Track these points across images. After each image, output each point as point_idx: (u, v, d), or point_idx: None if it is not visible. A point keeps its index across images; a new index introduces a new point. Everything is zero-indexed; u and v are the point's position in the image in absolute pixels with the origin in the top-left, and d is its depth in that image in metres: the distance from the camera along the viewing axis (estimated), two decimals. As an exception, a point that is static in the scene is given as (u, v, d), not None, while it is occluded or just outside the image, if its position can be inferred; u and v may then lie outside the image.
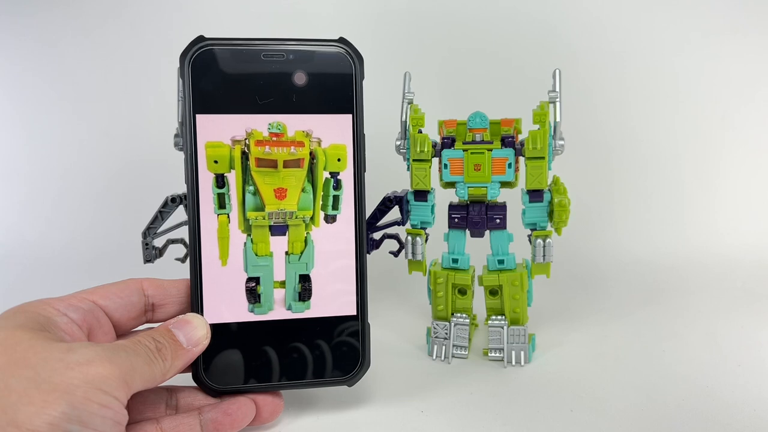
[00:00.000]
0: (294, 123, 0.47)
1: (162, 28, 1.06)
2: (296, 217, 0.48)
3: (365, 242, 0.50)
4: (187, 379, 0.47)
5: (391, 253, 0.62)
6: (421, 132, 0.60)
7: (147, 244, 0.53)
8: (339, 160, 0.48)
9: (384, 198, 0.60)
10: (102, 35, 1.06)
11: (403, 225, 0.61)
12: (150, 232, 0.53)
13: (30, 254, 0.99)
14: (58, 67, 1.08)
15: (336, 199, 0.49)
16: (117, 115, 1.06)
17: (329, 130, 0.48)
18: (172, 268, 0.55)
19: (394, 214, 0.61)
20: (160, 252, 0.54)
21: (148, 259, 0.53)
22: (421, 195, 0.59)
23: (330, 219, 0.49)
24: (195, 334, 0.44)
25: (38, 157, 1.09)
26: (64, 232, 1.03)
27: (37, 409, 0.33)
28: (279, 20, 1.02)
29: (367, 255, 0.60)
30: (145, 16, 1.06)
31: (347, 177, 0.49)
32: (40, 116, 1.09)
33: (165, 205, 0.52)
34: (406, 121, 0.59)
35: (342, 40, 0.48)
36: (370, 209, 0.54)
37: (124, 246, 0.75)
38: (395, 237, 0.62)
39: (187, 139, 0.46)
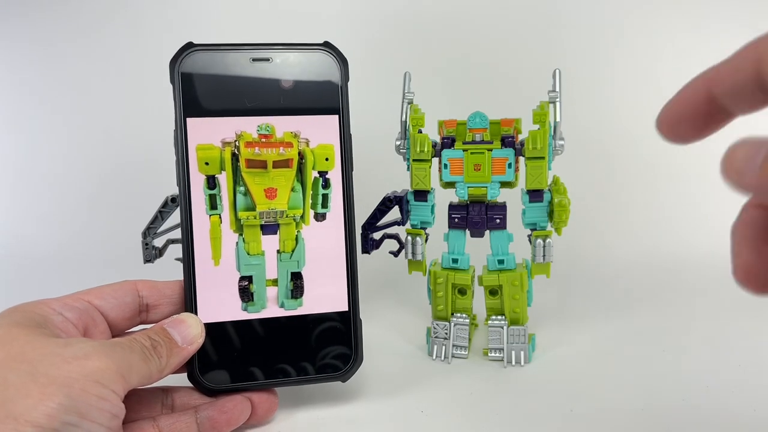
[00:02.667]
0: (282, 124, 0.48)
1: (158, 29, 1.06)
2: (287, 216, 0.49)
3: (355, 239, 0.51)
4: (182, 380, 0.47)
5: (391, 253, 0.63)
6: (421, 132, 0.60)
7: (147, 244, 0.54)
8: (327, 159, 0.49)
9: (384, 198, 0.61)
10: (101, 36, 1.07)
11: (403, 225, 0.61)
12: (150, 232, 0.53)
13: (29, 254, 1.01)
14: (57, 68, 1.09)
15: (325, 197, 0.49)
16: (116, 115, 1.07)
17: (317, 130, 0.49)
18: (172, 268, 0.55)
19: (394, 214, 0.61)
20: (160, 252, 0.55)
21: (148, 259, 0.54)
22: (421, 195, 0.59)
23: (320, 217, 0.50)
24: (189, 332, 0.45)
25: (37, 158, 1.10)
26: (63, 232, 1.04)
27: (35, 401, 0.33)
28: (278, 22, 1.03)
29: (368, 255, 0.60)
30: (144, 17, 1.07)
31: (335, 176, 0.50)
32: (38, 116, 1.10)
33: (165, 205, 0.52)
34: (406, 121, 0.59)
35: (327, 44, 0.50)
36: (359, 207, 0.55)
37: (123, 246, 0.76)
38: (395, 237, 0.63)
39: (179, 142, 0.47)
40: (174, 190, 0.51)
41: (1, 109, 1.11)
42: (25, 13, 1.08)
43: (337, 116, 0.49)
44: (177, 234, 0.55)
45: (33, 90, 1.10)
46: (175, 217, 0.52)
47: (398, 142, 0.60)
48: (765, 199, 0.28)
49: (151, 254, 0.54)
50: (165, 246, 0.55)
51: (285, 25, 1.02)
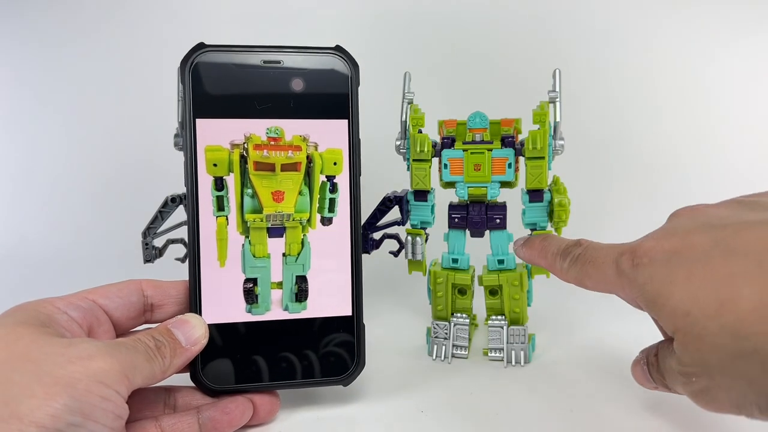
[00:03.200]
0: (291, 128, 0.48)
1: (164, 29, 1.05)
2: (293, 220, 0.49)
3: (360, 244, 0.51)
4: (185, 380, 0.47)
5: (391, 253, 0.63)
6: (421, 132, 0.60)
7: (147, 244, 0.53)
8: (335, 163, 0.49)
9: (384, 198, 0.61)
10: (103, 35, 1.06)
11: (403, 225, 0.61)
12: (150, 232, 0.53)
13: (31, 255, 1.00)
14: (59, 68, 1.08)
15: (332, 201, 0.49)
16: (117, 115, 1.06)
17: (326, 134, 0.49)
18: (173, 268, 0.55)
19: (394, 214, 0.61)
20: (160, 252, 0.54)
21: (148, 259, 0.54)
22: (421, 195, 0.60)
23: (326, 221, 0.50)
24: (193, 333, 0.45)
25: (39, 158, 1.09)
26: (64, 232, 1.03)
27: (40, 401, 0.33)
28: (281, 24, 1.02)
29: (368, 255, 0.60)
30: (147, 16, 1.06)
31: (343, 180, 0.50)
32: (40, 116, 1.09)
33: (165, 205, 0.52)
34: (406, 121, 0.59)
35: (338, 48, 0.49)
36: (366, 212, 0.54)
37: (124, 246, 0.76)
38: (395, 237, 0.62)
39: (187, 143, 0.47)
40: (175, 190, 0.51)
41: (2, 110, 1.10)
42: (27, 12, 1.07)
43: (346, 121, 0.49)
44: (177, 234, 0.55)
45: (35, 90, 1.09)
46: (175, 218, 0.52)
47: (398, 142, 0.60)
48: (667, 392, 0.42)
49: (151, 254, 0.54)
50: (165, 246, 0.55)
51: (284, 26, 1.02)
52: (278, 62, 0.48)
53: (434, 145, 0.59)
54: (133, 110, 1.05)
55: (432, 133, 0.60)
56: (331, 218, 0.50)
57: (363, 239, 0.61)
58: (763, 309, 0.31)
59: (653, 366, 0.42)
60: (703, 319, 0.33)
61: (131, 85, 1.06)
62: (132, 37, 1.06)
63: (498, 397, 0.53)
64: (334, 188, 0.49)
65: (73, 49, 1.07)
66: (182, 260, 0.55)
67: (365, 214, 0.60)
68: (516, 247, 0.55)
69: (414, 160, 0.58)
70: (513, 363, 0.59)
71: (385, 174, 0.70)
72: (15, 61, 1.08)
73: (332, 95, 0.49)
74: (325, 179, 0.49)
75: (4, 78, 1.09)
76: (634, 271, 0.38)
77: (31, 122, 1.09)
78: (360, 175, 0.50)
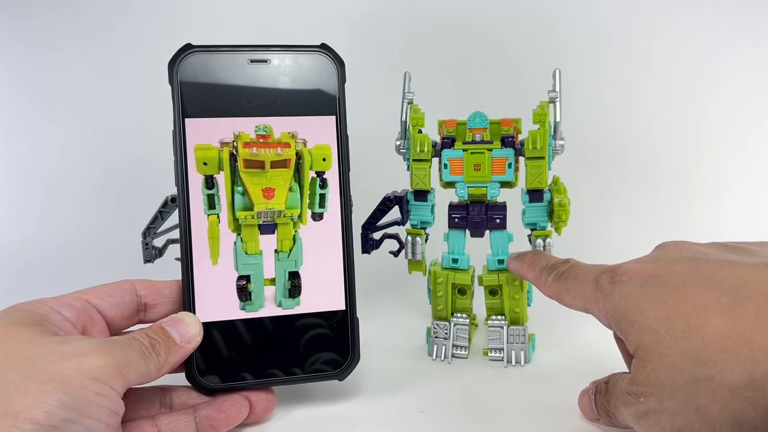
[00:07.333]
0: (280, 125, 0.49)
1: (156, 29, 1.06)
2: (284, 216, 0.49)
3: (352, 238, 0.51)
4: (180, 379, 0.48)
5: (391, 253, 0.63)
6: (421, 132, 0.60)
7: (147, 244, 0.54)
8: (324, 159, 0.50)
9: (384, 198, 0.61)
10: (100, 36, 1.07)
11: (403, 225, 0.61)
12: (150, 232, 0.54)
13: (28, 254, 1.01)
14: (56, 68, 1.09)
15: (322, 197, 0.50)
16: (116, 114, 1.07)
17: (314, 131, 0.50)
18: (172, 268, 0.55)
19: (394, 214, 0.61)
20: (160, 252, 0.55)
21: (148, 259, 0.54)
22: (421, 195, 0.60)
23: (317, 217, 0.50)
24: (188, 331, 0.45)
25: (36, 157, 1.10)
26: (62, 232, 1.04)
27: (35, 399, 0.33)
28: (276, 23, 1.02)
29: (367, 255, 0.61)
30: (143, 18, 1.06)
31: (332, 176, 0.50)
32: (38, 116, 1.10)
33: (165, 205, 0.53)
34: (406, 121, 0.59)
35: (324, 46, 0.50)
36: (359, 207, 0.54)
37: (123, 246, 0.76)
38: (395, 237, 0.62)
39: (177, 143, 0.48)
40: (174, 190, 0.51)
41: (4, 110, 1.11)
42: (25, 13, 1.08)
43: (334, 117, 0.50)
44: (177, 234, 0.55)
45: (32, 90, 1.10)
46: (175, 217, 0.53)
47: (398, 142, 0.60)
48: (608, 424, 0.45)
49: (151, 254, 0.54)
50: (165, 246, 0.55)
51: (284, 26, 1.02)
52: (265, 61, 0.49)
53: (434, 145, 0.59)
54: (132, 110, 1.06)
55: (432, 133, 0.60)
56: (322, 213, 0.50)
57: (363, 239, 0.61)
58: (726, 339, 0.33)
59: (601, 393, 0.44)
60: (669, 339, 0.36)
61: (129, 84, 1.07)
62: (131, 38, 1.07)
63: (498, 397, 0.53)
64: (323, 184, 0.50)
65: (71, 50, 1.08)
66: (181, 260, 0.56)
67: (364, 214, 0.60)
68: (508, 260, 0.57)
69: (414, 160, 0.58)
70: (513, 363, 0.59)
71: (385, 174, 0.70)
72: (13, 61, 1.10)
73: (319, 92, 0.50)
74: (315, 175, 0.50)
75: (2, 78, 1.11)
76: (611, 287, 0.41)
77: (28, 122, 1.10)
78: (349, 170, 0.50)
